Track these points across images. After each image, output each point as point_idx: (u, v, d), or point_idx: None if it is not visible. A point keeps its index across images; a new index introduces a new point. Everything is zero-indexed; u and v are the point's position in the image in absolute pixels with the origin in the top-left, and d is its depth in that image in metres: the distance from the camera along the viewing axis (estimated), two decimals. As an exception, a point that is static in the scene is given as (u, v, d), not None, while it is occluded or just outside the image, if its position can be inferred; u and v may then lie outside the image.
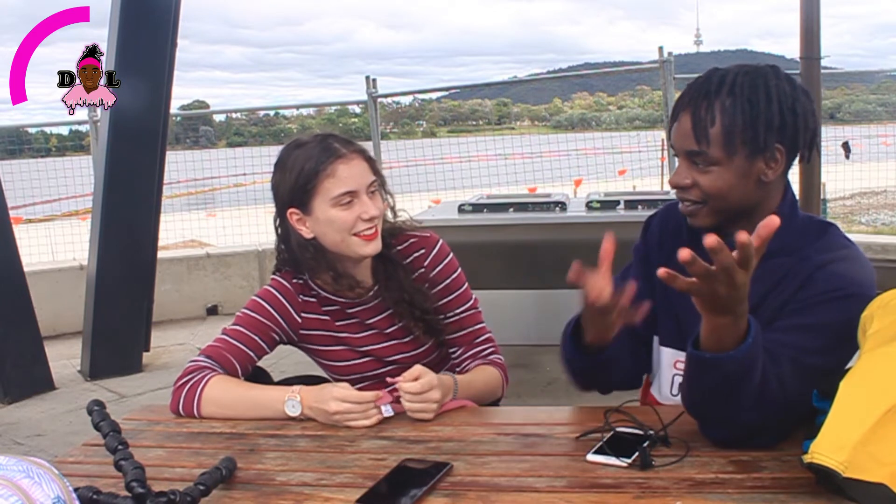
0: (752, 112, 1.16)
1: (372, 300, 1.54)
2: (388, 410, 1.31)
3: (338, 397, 1.29)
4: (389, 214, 1.55)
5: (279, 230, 1.52)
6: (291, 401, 1.32)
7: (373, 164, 1.48)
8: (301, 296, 1.53)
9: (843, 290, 1.13)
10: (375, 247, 1.46)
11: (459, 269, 1.58)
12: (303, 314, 1.53)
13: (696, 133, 1.18)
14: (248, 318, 1.49)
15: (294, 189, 1.43)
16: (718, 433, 1.11)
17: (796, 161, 1.24)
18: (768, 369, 1.06)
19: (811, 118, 1.21)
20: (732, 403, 1.06)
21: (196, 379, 1.39)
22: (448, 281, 1.55)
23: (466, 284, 1.58)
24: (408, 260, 1.54)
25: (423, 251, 1.55)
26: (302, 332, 1.54)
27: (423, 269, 1.54)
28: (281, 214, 1.49)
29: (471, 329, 1.57)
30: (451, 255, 1.58)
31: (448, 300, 1.55)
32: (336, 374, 1.57)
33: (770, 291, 1.20)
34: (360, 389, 1.52)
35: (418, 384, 1.29)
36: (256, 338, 1.48)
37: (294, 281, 1.53)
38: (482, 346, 1.56)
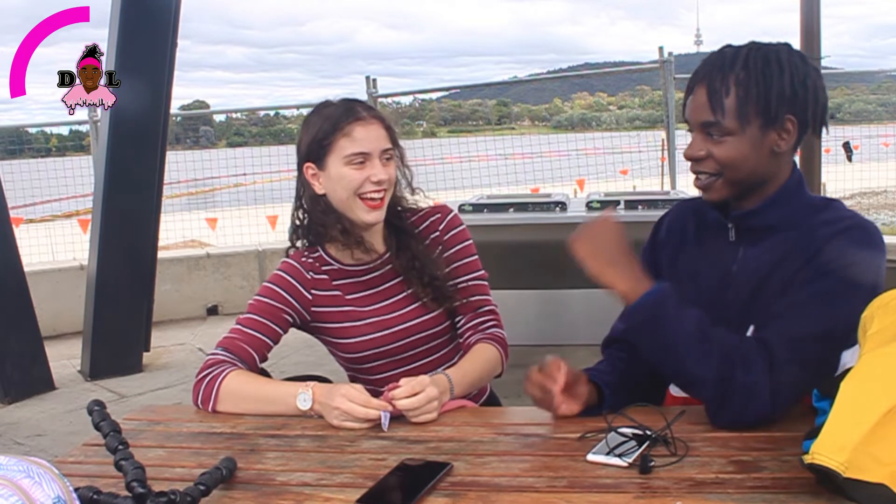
0: (766, 83, 1.20)
1: (382, 266, 1.56)
2: (385, 422, 1.28)
3: (345, 394, 1.29)
4: (407, 191, 1.58)
5: (298, 188, 1.56)
6: (304, 394, 1.33)
7: (392, 133, 1.51)
8: (311, 273, 1.56)
9: (851, 258, 1.16)
10: (378, 216, 1.49)
11: (471, 241, 1.61)
12: (313, 291, 1.55)
13: (711, 103, 1.21)
14: (260, 304, 1.52)
15: (312, 143, 1.49)
16: (709, 405, 1.17)
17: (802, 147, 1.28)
18: (705, 324, 1.17)
19: (821, 93, 1.25)
20: (671, 353, 1.18)
21: (214, 373, 1.41)
22: (459, 246, 1.59)
23: (477, 256, 1.61)
24: (424, 225, 1.59)
25: (438, 216, 1.60)
26: (314, 309, 1.55)
27: (437, 233, 1.58)
28: (299, 170, 1.53)
29: (476, 298, 1.58)
30: (465, 226, 1.62)
31: (458, 265, 1.58)
32: (350, 351, 1.57)
33: (779, 263, 1.24)
34: (374, 368, 1.57)
35: (416, 400, 1.28)
36: (270, 323, 1.50)
37: (303, 259, 1.57)
38: (484, 318, 1.57)
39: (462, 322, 1.58)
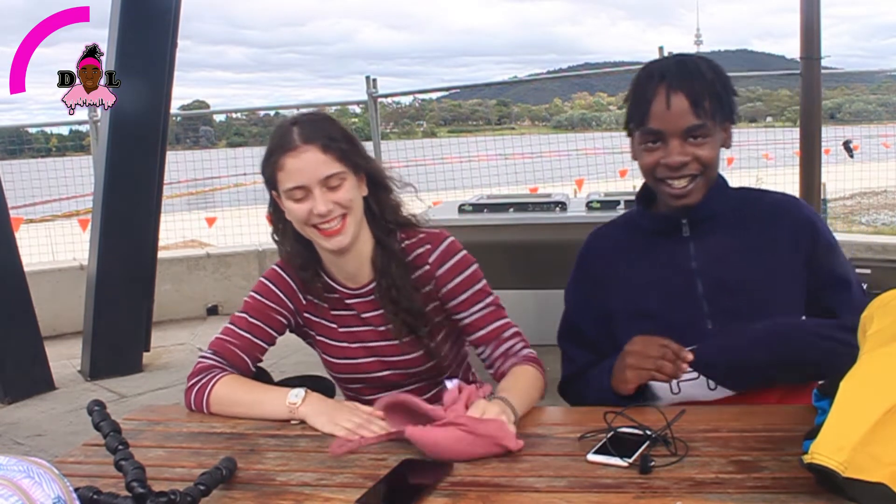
0: (726, 86, 1.33)
1: (369, 294, 1.49)
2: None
3: (356, 406, 1.30)
4: (405, 206, 1.51)
5: (274, 214, 1.49)
6: (296, 390, 1.33)
7: (336, 152, 1.37)
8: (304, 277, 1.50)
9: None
10: (339, 241, 1.39)
11: (474, 266, 1.49)
12: (307, 296, 1.51)
13: (695, 109, 1.28)
14: (254, 303, 1.48)
15: (264, 176, 1.43)
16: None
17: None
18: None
19: None
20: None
21: (204, 381, 1.40)
22: (459, 279, 1.47)
23: (484, 282, 1.49)
24: (412, 255, 1.48)
25: (427, 247, 1.48)
26: (305, 314, 1.52)
27: (427, 267, 1.47)
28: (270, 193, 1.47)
29: (494, 326, 1.47)
30: (463, 252, 1.50)
31: (462, 300, 1.47)
32: (330, 369, 1.56)
33: (740, 247, 1.34)
34: (356, 389, 1.53)
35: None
36: (263, 325, 1.47)
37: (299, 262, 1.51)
38: (511, 342, 1.45)
39: (488, 352, 1.47)
